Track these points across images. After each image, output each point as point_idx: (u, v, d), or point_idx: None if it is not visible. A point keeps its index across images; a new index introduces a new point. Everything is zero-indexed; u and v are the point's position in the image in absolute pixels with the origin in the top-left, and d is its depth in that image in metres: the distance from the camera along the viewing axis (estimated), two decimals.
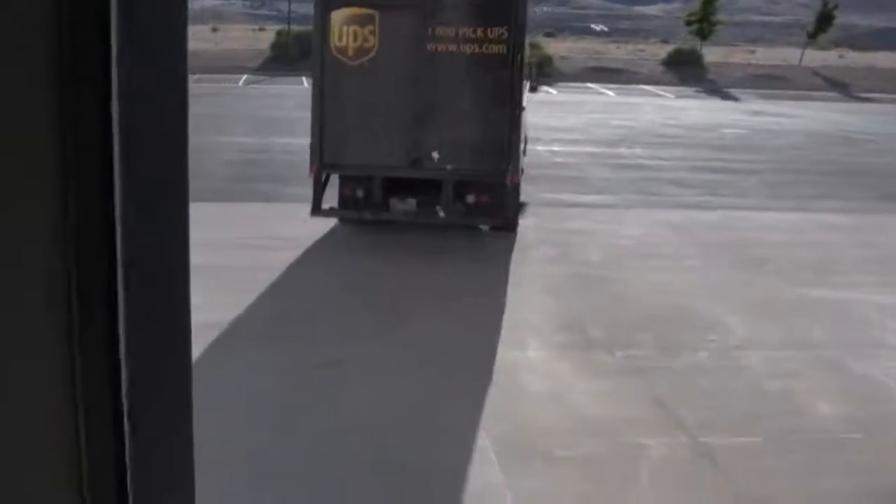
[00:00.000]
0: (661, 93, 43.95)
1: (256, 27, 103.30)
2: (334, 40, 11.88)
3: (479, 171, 12.08)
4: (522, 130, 13.21)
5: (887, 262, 13.13)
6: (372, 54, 11.82)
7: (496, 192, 12.27)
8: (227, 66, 46.72)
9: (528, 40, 14.29)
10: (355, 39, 11.81)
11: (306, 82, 40.51)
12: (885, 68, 63.30)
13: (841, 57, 74.72)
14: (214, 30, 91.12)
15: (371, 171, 12.32)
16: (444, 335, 9.05)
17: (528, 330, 9.38)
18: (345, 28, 11.82)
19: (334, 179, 12.82)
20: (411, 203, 12.39)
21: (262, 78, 44.10)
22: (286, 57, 49.17)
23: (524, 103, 13.35)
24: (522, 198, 13.92)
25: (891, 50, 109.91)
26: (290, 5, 62.72)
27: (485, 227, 13.60)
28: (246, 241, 12.49)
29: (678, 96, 42.92)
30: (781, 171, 21.33)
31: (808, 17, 71.90)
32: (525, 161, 14.64)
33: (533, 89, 18.89)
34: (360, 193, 12.50)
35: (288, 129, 24.80)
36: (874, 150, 26.16)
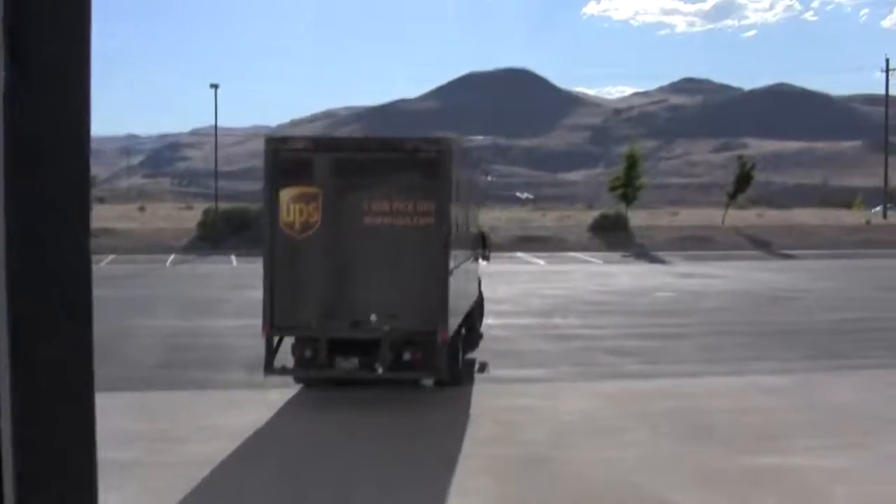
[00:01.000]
0: (590, 259, 44.41)
1: (184, 205, 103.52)
2: (283, 216, 13.23)
3: (412, 330, 13.26)
4: (457, 293, 14.19)
5: (827, 424, 13.06)
6: (316, 228, 13.19)
7: (430, 349, 13.24)
8: (154, 245, 46.54)
9: (475, 213, 17.96)
10: (301, 215, 13.18)
11: (235, 261, 40.88)
12: (803, 224, 64.89)
13: (760, 216, 76.53)
14: (141, 209, 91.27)
15: (316, 333, 13.30)
16: None
17: None
18: (292, 205, 13.21)
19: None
20: (354, 361, 13.34)
21: (189, 258, 43.88)
22: (213, 236, 49.06)
23: (476, 270, 16.30)
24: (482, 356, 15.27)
25: (805, 206, 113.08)
26: (216, 182, 63.11)
27: (429, 382, 14.51)
28: (176, 434, 12.07)
29: (607, 262, 43.37)
30: (715, 333, 21.42)
31: (725, 178, 73.86)
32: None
33: (486, 258, 20.78)
34: (308, 353, 13.49)
35: (217, 310, 24.59)
36: (803, 308, 26.46)
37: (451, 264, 13.50)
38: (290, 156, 13.70)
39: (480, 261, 19.95)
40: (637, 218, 59.33)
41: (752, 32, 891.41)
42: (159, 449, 11.33)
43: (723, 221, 61.50)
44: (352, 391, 15.09)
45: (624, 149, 63.69)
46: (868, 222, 71.54)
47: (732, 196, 64.55)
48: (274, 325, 13.38)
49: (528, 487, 10.06)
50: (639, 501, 9.57)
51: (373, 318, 13.13)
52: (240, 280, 32.72)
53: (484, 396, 14.69)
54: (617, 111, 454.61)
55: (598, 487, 9.99)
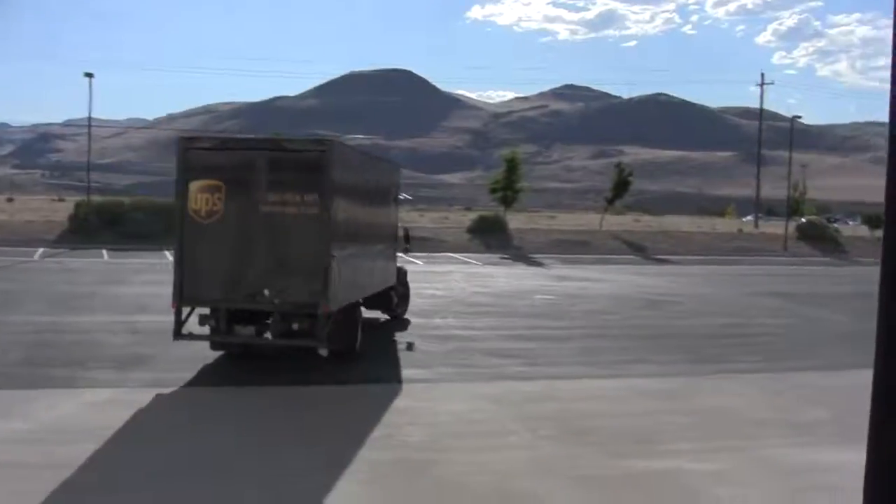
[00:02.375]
0: (469, 260, 44.40)
1: (55, 197, 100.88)
2: (191, 204, 15.48)
3: (298, 303, 15.46)
4: (351, 275, 16.70)
5: (705, 427, 13.09)
6: (219, 215, 15.45)
7: (314, 320, 15.50)
8: (22, 238, 45.07)
9: (389, 210, 21.52)
10: (206, 204, 15.44)
11: (107, 255, 39.75)
12: (678, 231, 66.07)
13: (636, 221, 77.81)
14: (10, 200, 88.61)
15: (218, 304, 15.65)
16: None
17: None
18: (199, 195, 15.47)
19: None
20: (251, 329, 15.83)
21: (59, 251, 42.56)
22: (85, 229, 47.71)
23: (390, 259, 21.50)
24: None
25: (679, 213, 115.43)
26: (89, 175, 61.51)
27: (324, 353, 16.88)
28: (35, 435, 11.47)
29: (485, 263, 43.43)
30: (594, 336, 21.48)
31: (602, 184, 74.65)
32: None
33: (405, 250, 24.91)
34: (212, 323, 15.77)
35: (87, 305, 23.81)
36: (680, 312, 26.77)
37: (339, 249, 15.68)
38: (198, 153, 15.91)
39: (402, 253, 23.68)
40: (515, 221, 59.69)
41: (633, 42, 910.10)
42: (18, 450, 10.73)
43: (600, 226, 62.26)
44: (228, 392, 14.73)
45: (503, 152, 64.00)
46: (740, 230, 73.23)
47: (610, 202, 65.46)
48: (182, 298, 15.66)
49: (408, 492, 9.76)
50: None
51: (266, 292, 15.36)
52: (111, 275, 31.85)
53: (361, 397, 14.39)
54: (497, 115, 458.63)
55: (480, 491, 9.75)
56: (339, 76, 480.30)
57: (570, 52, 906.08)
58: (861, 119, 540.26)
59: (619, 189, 63.83)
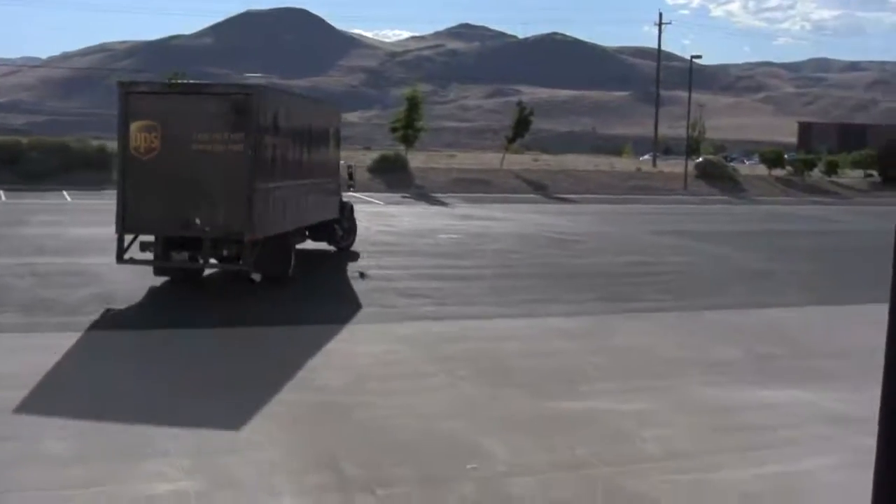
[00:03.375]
0: (372, 199, 43.97)
1: None
2: (132, 142, 17.05)
3: (225, 231, 17.12)
4: (283, 206, 18.65)
5: (623, 367, 13.10)
6: (156, 152, 16.99)
7: (241, 247, 17.27)
8: None
9: (328, 150, 23.12)
10: (145, 142, 16.98)
11: (4, 196, 38.40)
12: (577, 170, 66.27)
13: (535, 160, 77.84)
14: None
15: (155, 232, 17.37)
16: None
17: (279, 473, 8.44)
18: (138, 134, 17.01)
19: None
20: (184, 255, 17.49)
21: None
22: None
23: (332, 194, 23.40)
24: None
25: (573, 152, 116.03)
26: None
27: (256, 278, 18.91)
28: None
29: (387, 203, 43.08)
30: (503, 276, 21.39)
31: (498, 123, 74.57)
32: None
33: (350, 186, 26.65)
34: (150, 249, 17.50)
35: None
36: (585, 251, 26.84)
37: (264, 183, 17.33)
38: (137, 97, 17.51)
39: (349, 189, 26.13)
40: (416, 160, 59.29)
41: None
42: None
43: (501, 165, 62.17)
44: (146, 335, 14.33)
45: (405, 90, 63.40)
46: (639, 169, 73.76)
47: (511, 140, 65.35)
48: (124, 227, 17.17)
49: (332, 437, 9.52)
50: (451, 449, 9.17)
51: (197, 221, 16.96)
52: (12, 216, 30.81)
53: (276, 341, 14.08)
54: (393, 54, 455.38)
55: (406, 435, 9.56)
56: (235, 14, 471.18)
57: None
58: (754, 59, 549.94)
59: (520, 128, 63.70)
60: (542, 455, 9.12)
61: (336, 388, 11.32)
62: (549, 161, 78.88)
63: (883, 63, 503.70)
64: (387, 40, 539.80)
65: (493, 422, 10.11)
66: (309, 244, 23.04)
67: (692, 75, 69.93)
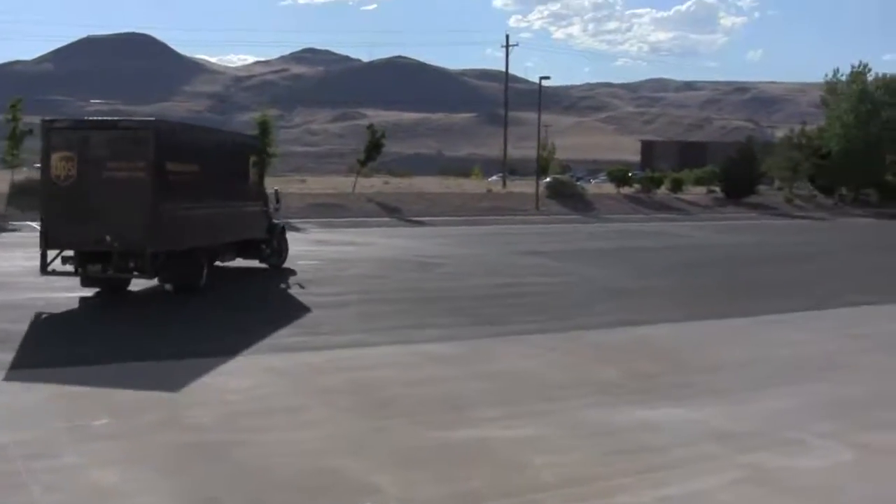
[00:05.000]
0: None
1: None
2: (52, 170, 19.80)
3: (130, 246, 19.78)
4: (192, 225, 21.57)
5: (505, 392, 12.75)
6: (73, 179, 19.70)
7: (144, 260, 19.81)
8: None
9: (248, 176, 26.08)
10: (63, 170, 19.73)
11: None
12: (429, 192, 66.34)
13: (386, 183, 77.69)
14: None
15: (72, 248, 20.10)
16: None
17: None
18: (57, 163, 19.76)
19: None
20: (98, 266, 20.01)
21: None
22: None
23: (253, 215, 25.94)
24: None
25: (423, 174, 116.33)
26: None
27: (168, 288, 21.80)
28: None
29: None
30: (369, 301, 20.94)
31: (343, 146, 73.95)
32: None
33: (276, 209, 28.60)
34: (69, 262, 20.18)
35: None
36: (449, 274, 26.58)
37: (166, 204, 20.02)
38: (58, 132, 20.30)
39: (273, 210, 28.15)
40: (267, 185, 58.28)
41: (373, 6, 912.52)
42: None
43: (353, 189, 61.70)
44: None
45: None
46: (489, 190, 74.25)
47: (363, 163, 64.89)
48: (47, 243, 20.05)
49: (209, 480, 8.87)
50: (341, 486, 8.66)
51: (107, 237, 19.61)
52: None
53: (138, 376, 13.25)
54: (238, 79, 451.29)
55: (291, 474, 8.98)
56: (76, 40, 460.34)
57: (310, 15, 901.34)
58: (594, 80, 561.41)
59: (372, 151, 63.33)
60: (437, 488, 8.68)
61: (209, 426, 10.63)
62: (399, 184, 78.82)
63: (716, 83, 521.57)
64: (231, 65, 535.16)
65: (382, 455, 9.62)
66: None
67: (531, 96, 70.68)
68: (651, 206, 69.03)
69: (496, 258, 31.60)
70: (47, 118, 21.32)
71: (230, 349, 15.10)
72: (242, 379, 13.21)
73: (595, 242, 40.10)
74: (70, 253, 20.15)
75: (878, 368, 15.13)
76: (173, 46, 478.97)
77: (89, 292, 20.88)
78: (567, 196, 67.14)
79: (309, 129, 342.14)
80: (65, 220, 20.00)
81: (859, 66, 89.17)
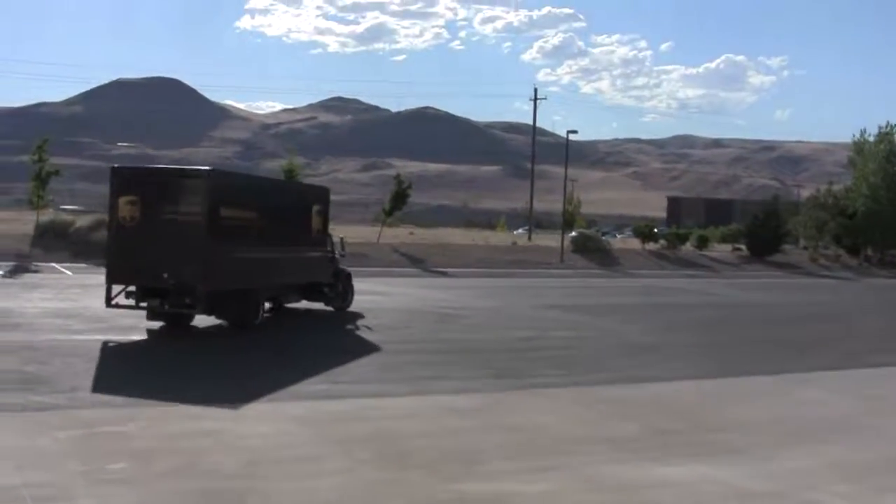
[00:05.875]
0: None
1: None
2: (119, 212, 21.69)
3: (185, 283, 21.33)
4: (245, 267, 23.30)
5: (523, 445, 12.73)
6: (137, 220, 21.55)
7: (197, 296, 21.38)
8: None
9: (309, 221, 27.58)
10: (129, 212, 21.59)
11: None
12: (454, 243, 66.46)
13: (411, 233, 77.84)
14: None
15: (134, 283, 21.95)
16: None
17: None
18: (124, 206, 21.62)
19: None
20: (156, 301, 21.76)
21: None
22: None
23: (314, 259, 27.74)
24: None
25: (448, 226, 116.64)
26: None
27: (224, 322, 23.44)
28: None
29: None
30: (392, 352, 20.94)
31: (369, 196, 74.34)
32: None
33: (341, 255, 30.29)
34: (132, 297, 21.98)
35: None
36: (472, 326, 26.61)
37: (220, 246, 21.69)
38: (124, 178, 22.29)
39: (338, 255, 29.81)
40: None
41: (402, 57, 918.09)
42: None
43: (378, 239, 61.88)
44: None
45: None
46: (515, 243, 74.29)
47: (389, 213, 65.15)
48: (111, 278, 21.93)
49: None
50: None
51: (165, 275, 21.32)
52: None
53: (157, 422, 13.30)
54: (266, 126, 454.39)
55: None
56: (106, 83, 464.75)
57: (340, 64, 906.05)
58: (622, 136, 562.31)
59: (398, 201, 63.62)
60: None
61: (229, 474, 10.67)
62: (423, 235, 78.98)
63: (744, 140, 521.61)
64: (259, 112, 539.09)
65: None
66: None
67: (559, 150, 70.96)
68: (676, 262, 68.93)
69: (519, 311, 31.64)
70: (115, 165, 23.53)
71: (255, 394, 15.18)
72: (264, 425, 13.26)
73: (619, 297, 40.05)
74: (132, 288, 21.90)
75: (893, 431, 15.06)
76: (202, 92, 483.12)
77: (154, 325, 22.60)
78: (592, 251, 67.15)
79: (335, 178, 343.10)
80: (128, 258, 21.81)
81: (886, 126, 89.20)
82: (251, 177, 32.50)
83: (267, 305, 26.32)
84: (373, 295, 34.24)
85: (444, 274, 49.95)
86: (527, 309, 32.36)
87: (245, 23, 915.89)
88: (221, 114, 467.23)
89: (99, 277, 24.72)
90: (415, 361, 19.74)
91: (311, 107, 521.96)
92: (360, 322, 26.15)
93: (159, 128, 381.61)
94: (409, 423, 13.91)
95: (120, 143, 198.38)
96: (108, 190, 22.10)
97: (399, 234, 71.63)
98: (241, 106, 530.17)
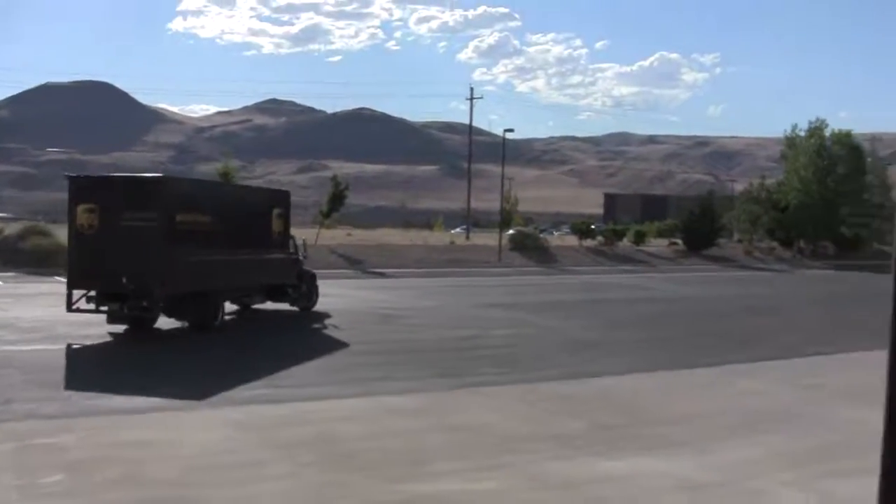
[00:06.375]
0: None
1: None
2: (78, 220, 22.35)
3: (142, 287, 21.92)
4: (203, 269, 23.61)
5: (468, 444, 12.63)
6: (95, 227, 22.25)
7: (154, 299, 22.27)
8: None
9: (268, 223, 28.02)
10: (87, 220, 22.30)
11: None
12: (392, 244, 66.29)
13: (349, 235, 77.60)
14: None
15: (94, 288, 22.63)
16: None
17: None
18: (82, 214, 22.31)
19: None
20: (116, 304, 22.33)
21: None
22: None
23: (269, 261, 27.88)
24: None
25: (386, 226, 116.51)
26: None
27: (185, 324, 23.96)
28: None
29: None
30: (333, 353, 20.86)
31: (306, 198, 73.92)
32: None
33: (304, 256, 31.01)
34: (93, 301, 22.66)
35: None
36: (413, 326, 26.54)
37: (176, 250, 22.22)
38: (81, 186, 23.01)
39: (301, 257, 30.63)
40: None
41: (338, 58, 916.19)
42: None
43: (316, 240, 61.53)
44: None
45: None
46: (453, 242, 74.30)
47: (326, 215, 64.88)
48: (71, 283, 22.64)
49: None
50: None
51: (123, 280, 21.87)
52: None
53: (95, 431, 13.03)
54: (200, 129, 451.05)
55: None
56: (34, 87, 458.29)
57: (274, 66, 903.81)
58: (558, 134, 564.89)
59: (335, 202, 63.46)
60: None
61: (167, 482, 10.44)
62: (362, 236, 78.77)
63: (678, 136, 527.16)
64: (193, 115, 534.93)
65: None
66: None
67: (495, 149, 71.14)
68: (614, 258, 69.35)
69: (460, 310, 31.60)
70: (72, 174, 24.10)
71: (196, 401, 14.99)
72: (205, 432, 13.05)
73: (558, 294, 40.15)
74: (93, 293, 22.63)
75: (832, 418, 15.18)
76: (133, 95, 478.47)
77: (118, 329, 23.10)
78: (530, 248, 67.30)
79: (271, 180, 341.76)
80: (87, 264, 22.42)
81: (817, 121, 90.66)
82: (208, 182, 34.36)
83: (234, 307, 27.91)
84: None
85: (383, 275, 49.81)
86: (467, 308, 32.33)
87: (177, 25, 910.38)
88: (154, 117, 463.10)
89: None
90: (358, 363, 19.62)
91: (245, 109, 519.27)
92: (314, 325, 26.25)
93: (90, 133, 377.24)
94: (352, 425, 13.77)
95: (49, 149, 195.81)
96: (68, 196, 22.68)
97: (337, 236, 71.35)
98: (175, 109, 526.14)
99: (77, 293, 22.67)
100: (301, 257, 30.46)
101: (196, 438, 12.66)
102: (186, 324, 23.97)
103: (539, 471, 11.26)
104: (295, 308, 29.38)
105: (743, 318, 32.21)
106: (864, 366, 19.11)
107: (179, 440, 12.55)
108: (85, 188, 23.00)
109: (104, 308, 22.60)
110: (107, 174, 30.27)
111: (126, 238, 21.90)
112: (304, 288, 29.69)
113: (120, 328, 23.01)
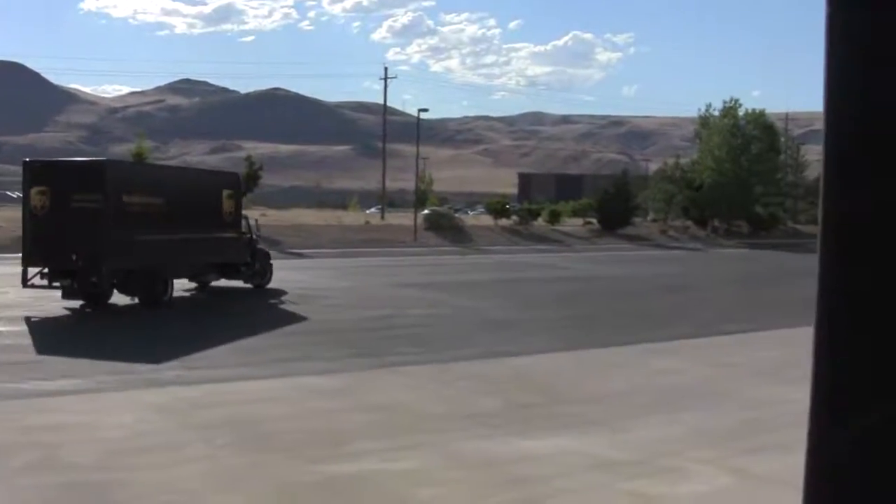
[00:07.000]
0: None
1: None
2: (32, 202, 23.90)
3: (90, 264, 23.29)
4: (154, 249, 25.03)
5: (384, 424, 12.67)
6: (47, 209, 23.73)
7: (102, 276, 23.63)
8: None
9: (218, 204, 29.17)
10: (40, 202, 23.80)
11: None
12: (308, 224, 66.01)
13: (264, 215, 76.92)
14: None
15: (46, 265, 24.06)
16: None
17: None
18: (35, 196, 23.87)
19: None
20: (67, 281, 23.86)
21: None
22: None
23: (224, 241, 29.09)
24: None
25: (301, 206, 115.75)
26: None
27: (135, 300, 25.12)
28: None
29: None
30: (249, 335, 20.72)
31: None
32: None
33: (257, 237, 32.40)
34: (44, 277, 24.06)
35: None
36: (330, 306, 26.63)
37: (122, 229, 23.66)
38: (35, 170, 24.62)
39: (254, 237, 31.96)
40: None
41: (251, 38, 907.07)
42: None
43: None
44: None
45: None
46: (368, 222, 74.18)
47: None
48: (26, 261, 24.02)
49: None
50: None
51: (73, 257, 23.36)
52: None
53: (11, 415, 12.83)
54: (113, 110, 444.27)
55: None
56: None
57: (187, 46, 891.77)
58: (472, 113, 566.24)
59: (249, 183, 62.96)
60: None
61: (87, 466, 10.34)
62: (277, 216, 78.26)
63: (592, 116, 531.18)
64: (106, 95, 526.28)
65: (262, 492, 9.50)
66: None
67: (409, 128, 71.17)
68: (529, 237, 69.79)
69: (376, 290, 31.62)
70: (27, 159, 25.73)
71: (112, 383, 14.86)
72: (122, 415, 12.91)
73: (473, 274, 40.36)
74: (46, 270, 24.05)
75: (748, 395, 15.46)
76: (45, 76, 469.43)
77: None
78: (445, 228, 67.50)
79: (185, 161, 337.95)
80: (40, 242, 23.87)
81: (730, 101, 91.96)
82: (155, 166, 37.49)
83: (193, 285, 29.77)
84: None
85: (300, 255, 49.62)
86: (383, 288, 32.37)
87: (89, 4, 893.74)
88: (67, 98, 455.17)
89: None
90: (275, 344, 19.56)
91: (158, 89, 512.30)
92: (262, 302, 27.20)
93: (1, 114, 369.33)
94: (270, 406, 13.74)
95: None
96: (22, 180, 24.48)
97: (251, 216, 70.65)
98: (88, 90, 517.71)
99: (32, 270, 24.00)
100: (254, 237, 31.66)
101: (114, 421, 12.51)
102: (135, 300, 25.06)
103: (457, 450, 11.33)
104: (249, 285, 30.55)
105: (659, 296, 32.65)
106: (779, 343, 19.57)
107: (97, 423, 12.41)
108: (38, 172, 24.54)
109: (56, 284, 23.99)
110: (58, 159, 32.74)
111: (76, 218, 23.30)
112: (257, 266, 30.91)
113: (75, 304, 24.36)
